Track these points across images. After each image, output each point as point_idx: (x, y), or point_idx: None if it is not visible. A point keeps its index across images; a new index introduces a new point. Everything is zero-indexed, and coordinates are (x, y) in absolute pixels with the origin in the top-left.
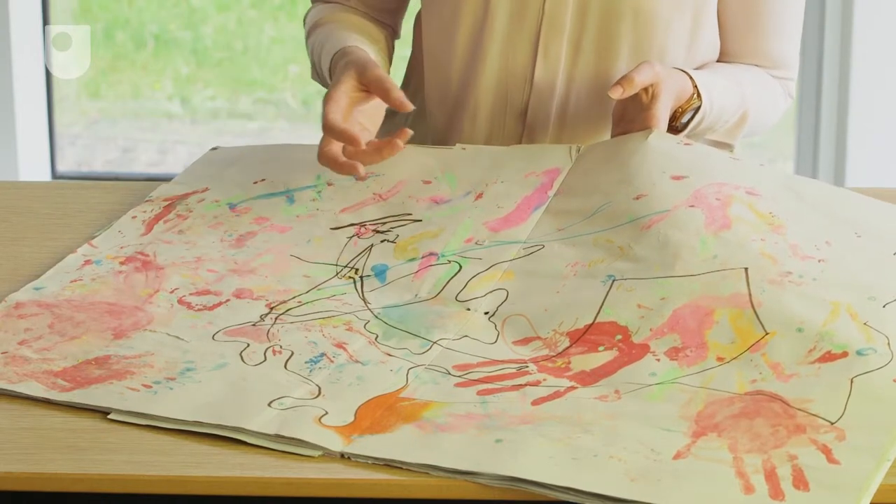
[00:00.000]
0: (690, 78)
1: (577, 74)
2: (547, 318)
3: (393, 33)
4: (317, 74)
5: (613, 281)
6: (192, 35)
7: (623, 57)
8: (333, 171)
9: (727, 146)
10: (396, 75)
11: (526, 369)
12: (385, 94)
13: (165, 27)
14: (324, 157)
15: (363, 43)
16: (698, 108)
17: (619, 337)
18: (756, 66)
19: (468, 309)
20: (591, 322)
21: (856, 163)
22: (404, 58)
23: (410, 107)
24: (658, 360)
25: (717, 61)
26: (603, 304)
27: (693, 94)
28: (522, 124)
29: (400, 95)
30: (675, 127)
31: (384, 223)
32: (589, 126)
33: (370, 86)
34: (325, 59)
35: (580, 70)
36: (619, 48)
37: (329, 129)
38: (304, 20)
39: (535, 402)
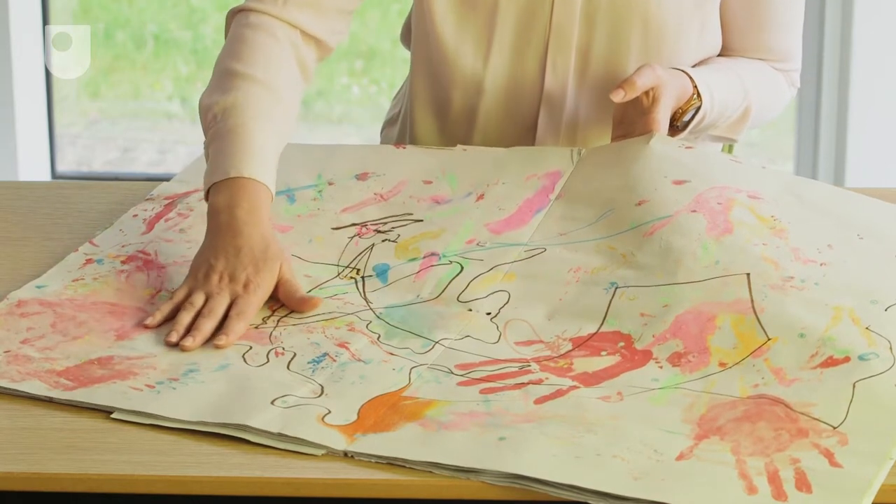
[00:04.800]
0: (690, 78)
1: (586, 85)
2: (550, 327)
3: (320, 53)
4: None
5: (616, 289)
6: (192, 35)
7: (632, 65)
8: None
9: (730, 140)
10: (396, 78)
11: (528, 368)
12: (292, 305)
13: (165, 27)
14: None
15: (272, 156)
16: (699, 107)
17: (621, 344)
18: (760, 59)
19: (470, 310)
20: (594, 332)
21: (856, 163)
22: (405, 60)
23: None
24: (661, 366)
25: (720, 56)
26: (606, 314)
27: (693, 94)
28: (532, 136)
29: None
30: (675, 126)
31: (385, 223)
32: (599, 136)
33: (284, 297)
34: (222, 164)
35: (589, 80)
36: (628, 57)
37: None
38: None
39: (538, 401)
